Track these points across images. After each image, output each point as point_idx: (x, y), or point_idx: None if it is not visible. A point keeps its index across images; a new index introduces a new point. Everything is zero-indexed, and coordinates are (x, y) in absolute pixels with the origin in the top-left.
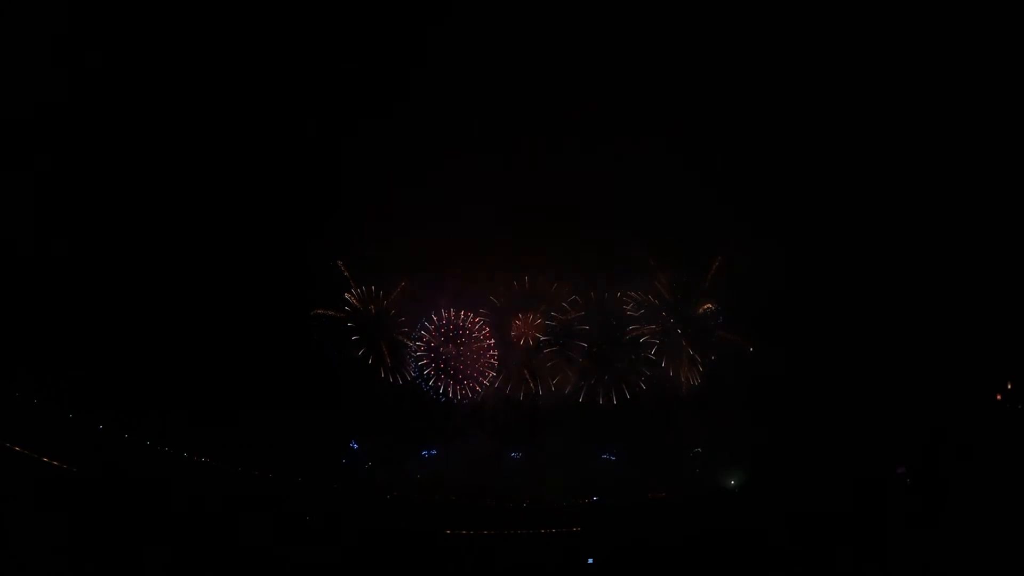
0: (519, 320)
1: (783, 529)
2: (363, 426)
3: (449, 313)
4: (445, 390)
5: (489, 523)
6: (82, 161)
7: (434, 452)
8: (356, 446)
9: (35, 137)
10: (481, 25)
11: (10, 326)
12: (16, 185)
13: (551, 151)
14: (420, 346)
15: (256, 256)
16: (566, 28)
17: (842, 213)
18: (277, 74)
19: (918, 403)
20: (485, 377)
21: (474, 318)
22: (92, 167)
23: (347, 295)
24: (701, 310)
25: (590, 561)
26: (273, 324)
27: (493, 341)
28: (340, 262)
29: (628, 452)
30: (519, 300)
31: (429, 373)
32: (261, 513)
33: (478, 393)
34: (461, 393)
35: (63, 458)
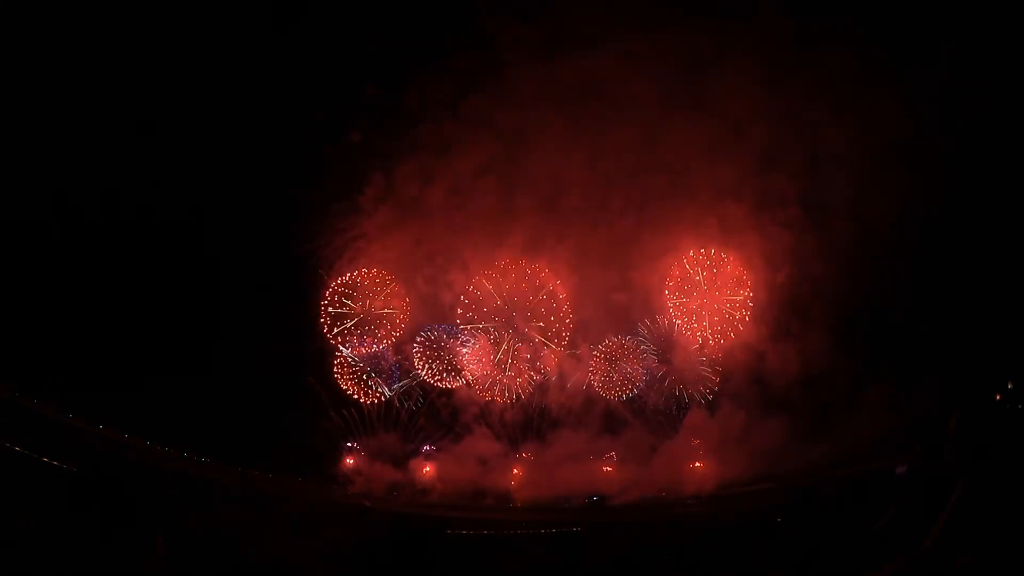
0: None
1: (783, 528)
2: (366, 425)
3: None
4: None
5: (489, 523)
6: (77, 162)
7: (437, 451)
8: (359, 445)
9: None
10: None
11: (9, 326)
12: (13, 182)
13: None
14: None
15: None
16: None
17: (843, 212)
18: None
19: (919, 403)
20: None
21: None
22: (88, 168)
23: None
24: None
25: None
26: (273, 325)
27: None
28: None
29: (628, 452)
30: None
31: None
32: (261, 512)
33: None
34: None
35: (63, 458)
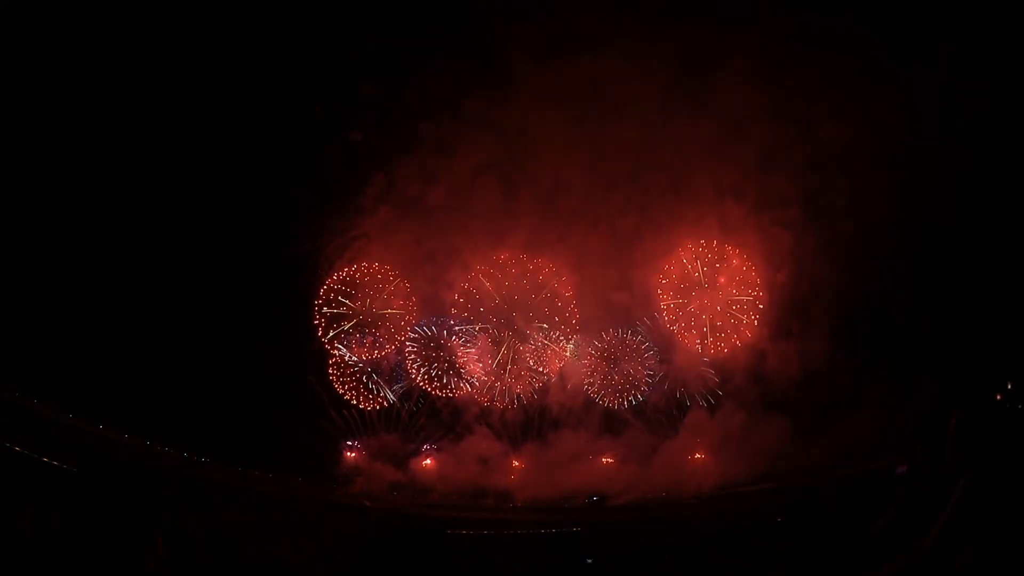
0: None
1: (784, 529)
2: (366, 425)
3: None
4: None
5: (489, 523)
6: (76, 162)
7: (438, 451)
8: (359, 445)
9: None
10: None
11: (9, 326)
12: (12, 181)
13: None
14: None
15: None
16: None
17: (844, 212)
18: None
19: (919, 403)
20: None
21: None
22: (87, 167)
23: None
24: None
25: (588, 561)
26: (273, 325)
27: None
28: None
29: (629, 452)
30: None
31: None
32: (261, 512)
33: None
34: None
35: (63, 458)
